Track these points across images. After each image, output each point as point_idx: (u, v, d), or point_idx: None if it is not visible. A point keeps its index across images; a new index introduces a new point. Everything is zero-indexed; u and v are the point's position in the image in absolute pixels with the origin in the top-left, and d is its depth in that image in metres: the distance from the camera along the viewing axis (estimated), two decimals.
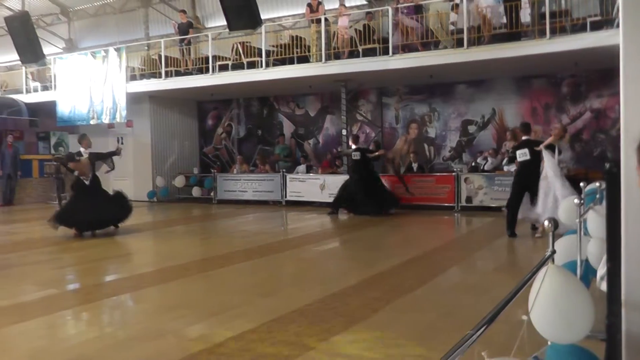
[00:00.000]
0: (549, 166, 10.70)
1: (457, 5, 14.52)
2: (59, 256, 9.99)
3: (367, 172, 15.25)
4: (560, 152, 10.74)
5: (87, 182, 12.20)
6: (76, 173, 12.24)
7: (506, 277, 7.16)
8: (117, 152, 13.07)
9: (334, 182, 16.62)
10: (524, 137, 11.04)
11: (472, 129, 17.21)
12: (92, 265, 9.13)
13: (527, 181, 10.67)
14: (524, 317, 2.75)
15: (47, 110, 22.05)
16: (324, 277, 7.92)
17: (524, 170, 10.80)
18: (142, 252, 10.72)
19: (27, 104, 22.71)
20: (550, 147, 10.73)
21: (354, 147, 15.56)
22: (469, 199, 15.11)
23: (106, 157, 12.92)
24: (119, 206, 12.53)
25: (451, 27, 14.77)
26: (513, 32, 13.78)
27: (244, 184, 18.80)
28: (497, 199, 14.69)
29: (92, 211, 11.88)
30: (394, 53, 14.90)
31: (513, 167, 14.87)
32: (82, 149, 12.40)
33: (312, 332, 5.01)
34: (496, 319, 2.29)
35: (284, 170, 18.24)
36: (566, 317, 2.86)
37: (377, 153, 15.44)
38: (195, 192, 19.87)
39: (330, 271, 8.45)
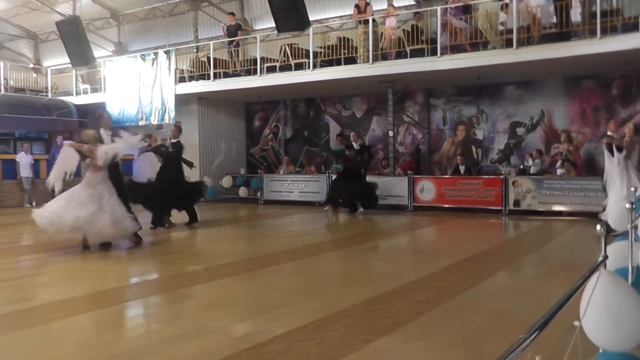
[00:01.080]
0: (607, 167, 10.57)
1: (506, 4, 14.33)
2: (109, 254, 10.16)
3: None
4: (620, 150, 10.50)
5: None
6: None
7: (555, 283, 7.03)
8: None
9: (380, 184, 16.59)
10: None
11: (520, 130, 16.99)
12: (139, 263, 9.29)
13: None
14: (576, 323, 2.71)
15: (96, 111, 22.47)
16: (370, 278, 7.91)
17: None
18: (190, 251, 10.85)
19: (76, 106, 23.24)
20: (608, 147, 10.55)
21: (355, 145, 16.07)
22: (516, 203, 14.87)
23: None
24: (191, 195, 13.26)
25: (500, 28, 14.60)
26: (563, 32, 13.56)
27: (290, 185, 18.90)
28: (546, 202, 14.46)
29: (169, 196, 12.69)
30: (442, 54, 14.80)
31: (564, 171, 14.68)
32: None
33: (359, 333, 5.01)
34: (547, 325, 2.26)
35: (330, 171, 18.26)
36: (618, 325, 2.82)
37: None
38: (242, 192, 20.05)
39: (376, 272, 8.43)
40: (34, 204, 19.41)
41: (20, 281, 7.68)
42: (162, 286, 7.29)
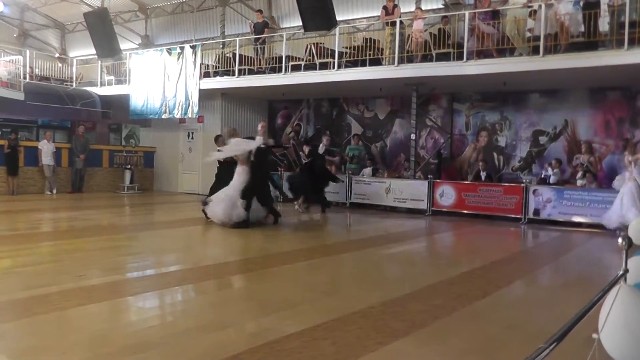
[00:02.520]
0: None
1: (535, 11, 14.23)
2: (126, 244, 10.28)
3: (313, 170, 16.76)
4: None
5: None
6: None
7: (573, 294, 7.00)
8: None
9: (400, 187, 16.59)
10: None
11: (543, 139, 16.84)
12: (157, 255, 9.34)
13: None
14: (595, 336, 2.69)
15: (120, 103, 22.74)
16: (387, 280, 7.91)
17: None
18: (207, 245, 10.91)
19: (100, 97, 23.44)
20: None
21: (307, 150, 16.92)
22: (536, 212, 14.75)
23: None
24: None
25: (528, 34, 14.50)
26: (590, 41, 13.40)
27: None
28: (566, 213, 14.32)
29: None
30: (468, 58, 14.72)
31: (585, 182, 14.55)
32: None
33: (373, 335, 5.01)
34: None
35: (350, 172, 18.22)
36: (637, 339, 2.79)
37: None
38: None
39: (393, 275, 8.42)
40: (54, 191, 19.62)
41: (39, 267, 7.77)
42: (177, 279, 7.32)
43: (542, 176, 15.96)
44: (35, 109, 21.98)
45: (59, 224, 13.34)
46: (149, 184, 23.03)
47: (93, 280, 7.00)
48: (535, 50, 13.88)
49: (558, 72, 13.89)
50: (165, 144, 22.89)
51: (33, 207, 15.75)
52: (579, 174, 15.14)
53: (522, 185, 15.10)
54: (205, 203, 12.92)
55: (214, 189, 13.06)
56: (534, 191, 14.81)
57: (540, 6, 13.86)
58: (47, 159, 19.51)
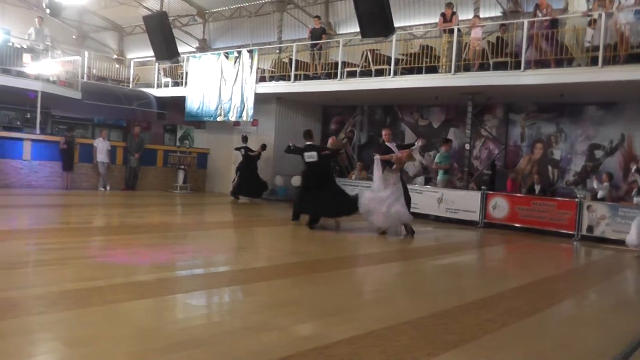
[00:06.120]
0: None
1: (594, 20, 13.93)
2: (177, 242, 10.44)
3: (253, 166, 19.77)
4: None
5: None
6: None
7: (623, 316, 6.84)
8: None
9: (450, 197, 16.46)
10: None
11: (598, 154, 16.48)
12: (208, 254, 9.47)
13: None
14: None
15: (175, 104, 23.19)
16: (438, 292, 7.87)
17: None
18: (258, 247, 11.01)
19: (156, 98, 23.93)
20: None
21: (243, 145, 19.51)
22: (590, 229, 14.35)
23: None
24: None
25: (587, 44, 14.18)
26: None
27: (361, 191, 18.84)
28: (620, 231, 13.81)
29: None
30: (525, 68, 14.52)
31: None
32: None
33: (423, 346, 5.00)
34: None
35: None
36: None
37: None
38: None
39: (443, 286, 8.37)
40: (107, 188, 20.11)
41: (90, 260, 7.97)
42: (227, 279, 7.41)
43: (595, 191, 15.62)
44: (92, 108, 22.58)
45: (111, 220, 13.65)
46: (202, 184, 23.37)
47: (143, 276, 7.14)
48: (593, 61, 13.58)
49: (616, 84, 13.58)
50: (218, 146, 23.20)
51: (86, 202, 16.16)
52: (634, 191, 14.74)
53: (576, 200, 14.78)
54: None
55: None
56: (588, 207, 14.48)
57: (600, 15, 13.58)
58: (101, 156, 20.03)
